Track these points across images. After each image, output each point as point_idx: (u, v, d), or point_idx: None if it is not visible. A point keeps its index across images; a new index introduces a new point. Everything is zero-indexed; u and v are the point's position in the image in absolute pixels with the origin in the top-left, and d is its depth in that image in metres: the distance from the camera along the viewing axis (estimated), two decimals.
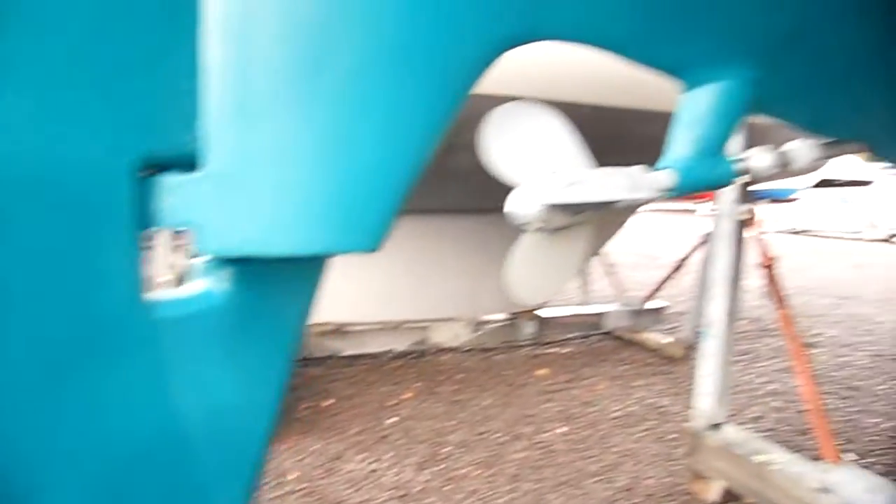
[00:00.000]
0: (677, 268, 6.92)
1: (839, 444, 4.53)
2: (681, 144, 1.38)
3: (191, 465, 0.94)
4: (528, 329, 6.71)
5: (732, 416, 4.90)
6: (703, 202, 25.58)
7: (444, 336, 6.39)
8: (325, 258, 1.00)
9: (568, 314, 7.07)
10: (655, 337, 6.86)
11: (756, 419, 4.98)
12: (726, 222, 3.57)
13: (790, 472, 3.29)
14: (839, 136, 1.73)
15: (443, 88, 0.95)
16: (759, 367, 6.25)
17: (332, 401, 5.19)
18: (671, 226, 21.29)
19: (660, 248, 14.29)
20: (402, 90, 0.91)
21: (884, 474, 4.11)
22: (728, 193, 3.55)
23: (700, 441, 3.74)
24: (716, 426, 3.74)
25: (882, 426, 4.93)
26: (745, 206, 3.49)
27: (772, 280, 3.48)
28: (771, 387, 5.69)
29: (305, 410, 4.98)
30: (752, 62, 1.27)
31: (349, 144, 0.88)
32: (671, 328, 7.28)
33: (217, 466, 0.97)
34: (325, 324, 5.94)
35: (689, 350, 6.41)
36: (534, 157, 1.30)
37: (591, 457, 4.29)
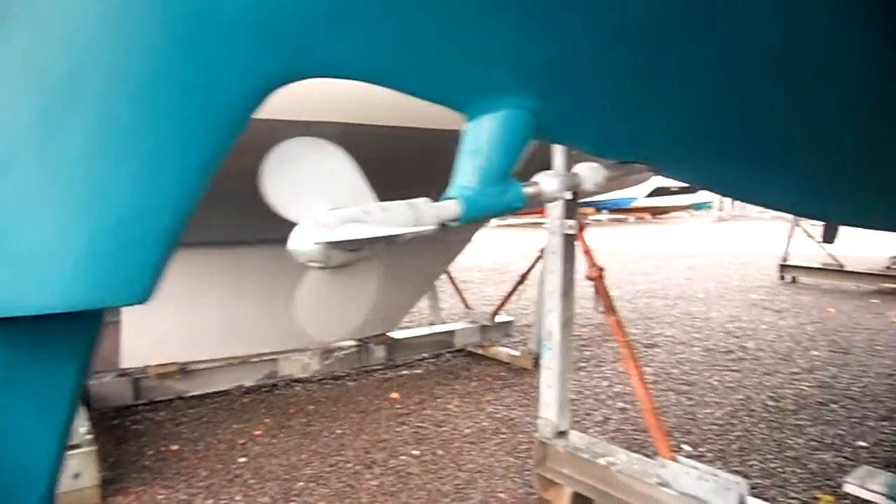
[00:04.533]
0: (520, 281, 7.08)
1: (679, 437, 4.78)
2: (465, 174, 1.41)
3: None
4: (379, 353, 6.66)
5: (580, 421, 5.06)
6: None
7: (293, 367, 6.24)
8: (96, 312, 0.95)
9: (418, 335, 7.08)
10: (505, 350, 6.98)
11: (603, 422, 5.14)
12: (555, 237, 3.67)
13: (631, 471, 3.41)
14: (627, 158, 1.80)
15: (207, 130, 0.92)
16: (604, 371, 6.47)
17: (178, 445, 4.95)
18: (521, 239, 21.84)
19: (511, 262, 14.61)
20: (160, 136, 0.87)
21: (715, 459, 4.36)
22: (556, 209, 3.65)
23: (547, 449, 3.81)
24: (562, 433, 3.83)
25: (714, 415, 5.22)
26: (572, 222, 3.60)
27: (600, 290, 3.61)
28: (616, 389, 5.90)
29: (150, 458, 4.72)
30: (529, 92, 1.31)
31: (102, 197, 0.83)
32: (520, 341, 7.44)
33: None
34: (167, 365, 5.67)
35: (537, 361, 6.57)
36: (315, 193, 1.28)
37: (444, 477, 4.28)
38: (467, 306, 7.67)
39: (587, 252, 3.64)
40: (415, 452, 4.69)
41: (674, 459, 3.25)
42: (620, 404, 5.51)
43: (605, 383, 6.07)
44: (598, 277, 3.58)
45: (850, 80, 1.63)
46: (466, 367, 6.84)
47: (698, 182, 3.00)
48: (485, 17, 1.14)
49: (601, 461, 3.53)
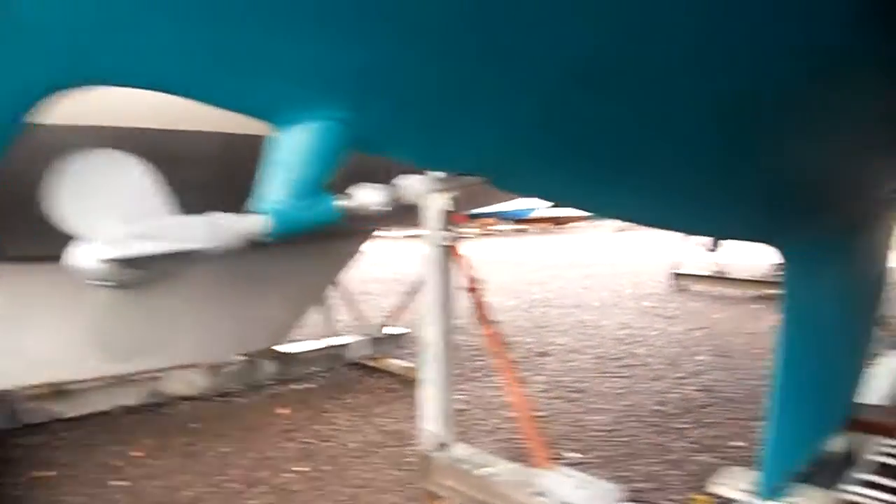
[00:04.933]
0: (412, 292, 7.00)
1: (568, 444, 4.81)
2: (274, 186, 1.34)
3: None
4: (269, 368, 6.51)
5: (470, 431, 5.04)
6: None
7: (178, 385, 6.02)
8: None
9: (310, 349, 6.94)
10: (397, 362, 6.91)
11: (492, 432, 5.13)
12: (432, 248, 3.62)
13: (511, 482, 3.38)
14: (454, 170, 1.77)
15: None
16: (494, 380, 6.47)
17: (52, 471, 4.68)
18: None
19: (413, 272, 14.54)
20: None
21: (601, 465, 4.40)
22: (433, 220, 3.60)
23: (430, 462, 3.76)
24: (444, 446, 3.78)
25: (602, 422, 5.28)
26: (449, 234, 3.57)
27: (477, 303, 3.59)
28: (507, 398, 5.90)
29: (21, 486, 4.44)
30: (339, 103, 1.25)
31: None
32: (413, 352, 7.36)
33: None
34: (39, 385, 5.37)
35: None
36: (105, 208, 1.19)
37: (328, 493, 4.19)
38: (361, 318, 7.57)
39: (464, 264, 3.62)
40: (300, 469, 4.57)
41: (552, 469, 3.25)
42: (509, 414, 5.51)
43: (494, 392, 6.06)
44: (474, 289, 3.56)
45: (695, 88, 1.64)
46: (359, 380, 6.75)
47: (540, 195, 2.97)
48: (274, 27, 1.08)
49: (482, 472, 3.50)
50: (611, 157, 1.73)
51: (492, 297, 10.89)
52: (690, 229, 2.53)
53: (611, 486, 3.03)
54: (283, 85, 1.21)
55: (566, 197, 2.44)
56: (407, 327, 7.46)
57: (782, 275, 2.87)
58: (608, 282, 13.48)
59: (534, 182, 1.95)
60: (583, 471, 4.34)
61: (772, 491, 2.95)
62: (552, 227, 32.19)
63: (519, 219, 29.57)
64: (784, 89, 1.66)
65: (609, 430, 5.07)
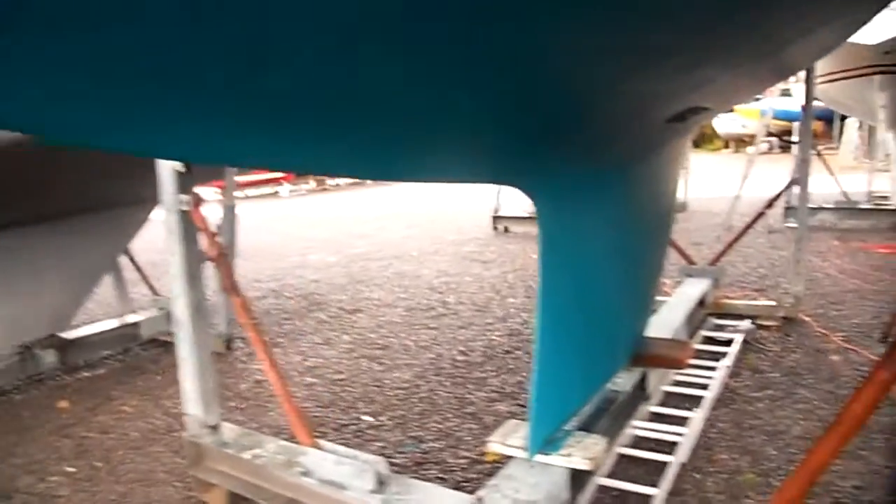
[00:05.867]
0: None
1: (362, 407, 4.61)
2: None
3: None
4: (50, 358, 5.90)
5: (264, 404, 4.73)
6: (283, 185, 25.88)
7: None
8: None
9: (97, 331, 6.37)
10: None
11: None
12: (171, 215, 3.24)
13: (277, 462, 3.14)
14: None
15: None
16: (301, 345, 6.20)
17: None
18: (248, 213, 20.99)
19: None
20: None
21: (394, 427, 4.23)
22: (167, 184, 3.22)
23: (198, 448, 3.45)
24: (212, 428, 3.48)
25: (403, 378, 5.12)
26: (186, 197, 3.20)
27: (222, 271, 3.27)
28: (308, 363, 5.65)
29: None
30: None
31: None
32: (216, 322, 6.95)
33: None
34: None
35: (230, 343, 6.16)
36: None
37: (98, 493, 3.79)
38: (155, 293, 7.05)
39: (206, 229, 3.28)
40: (69, 469, 4.13)
41: (315, 446, 3.02)
42: (309, 379, 5.26)
43: (299, 358, 5.80)
44: (219, 256, 3.24)
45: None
46: (155, 359, 6.27)
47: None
48: None
49: (250, 455, 3.23)
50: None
51: (314, 255, 10.66)
52: (433, 176, 2.28)
53: (374, 459, 2.83)
54: None
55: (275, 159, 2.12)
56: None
57: (537, 220, 2.70)
58: (431, 229, 13.41)
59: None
60: (376, 434, 4.19)
61: (543, 444, 2.84)
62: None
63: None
64: None
65: (408, 388, 4.91)
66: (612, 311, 3.42)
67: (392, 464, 3.76)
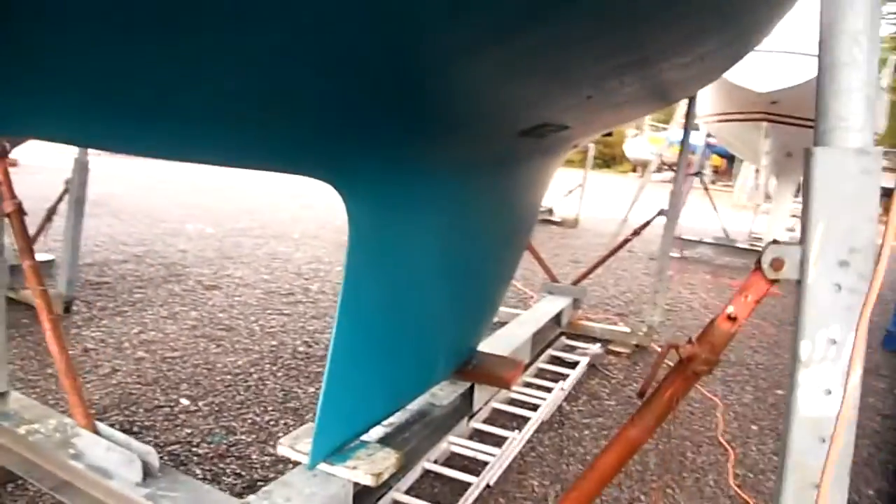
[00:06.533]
0: (48, 217, 6.09)
1: (184, 389, 4.40)
2: None
3: None
4: None
5: (85, 375, 4.46)
6: None
7: None
8: None
9: None
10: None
11: (109, 374, 4.59)
12: None
13: (52, 441, 2.93)
14: None
15: None
16: (145, 315, 5.92)
17: None
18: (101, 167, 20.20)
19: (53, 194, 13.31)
20: None
21: (209, 413, 4.05)
22: None
23: None
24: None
25: (236, 363, 4.95)
26: None
27: (15, 229, 3.04)
28: (145, 336, 5.40)
29: None
30: None
31: None
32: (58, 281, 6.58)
33: None
34: None
35: (70, 305, 5.84)
36: None
37: None
38: None
39: (4, 182, 3.04)
40: None
41: (91, 428, 2.83)
42: (141, 353, 5.02)
43: (137, 329, 5.53)
44: (14, 213, 3.00)
45: None
46: None
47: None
48: None
49: (23, 430, 3.01)
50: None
51: (192, 224, 10.27)
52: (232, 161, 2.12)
53: (146, 449, 2.66)
54: None
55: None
56: (52, 253, 6.58)
57: (348, 218, 2.57)
58: (324, 214, 13.15)
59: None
60: (187, 420, 4.00)
61: (330, 453, 2.72)
62: None
63: None
64: None
65: (238, 374, 4.73)
66: (429, 321, 3.31)
67: (194, 454, 3.61)
